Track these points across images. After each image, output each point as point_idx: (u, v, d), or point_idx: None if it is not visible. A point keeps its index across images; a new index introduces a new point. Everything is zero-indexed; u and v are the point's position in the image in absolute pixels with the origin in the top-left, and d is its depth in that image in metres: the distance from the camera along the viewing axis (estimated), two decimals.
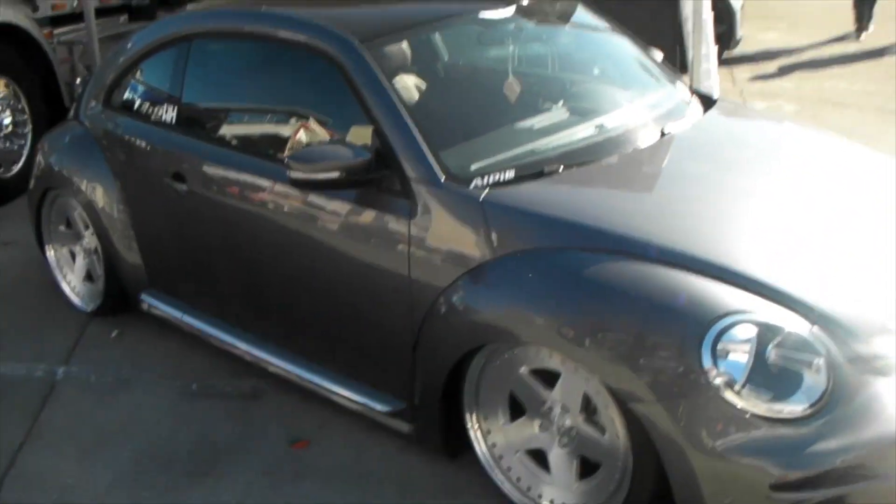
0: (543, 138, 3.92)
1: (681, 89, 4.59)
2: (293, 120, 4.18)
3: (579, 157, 3.77)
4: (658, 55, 4.94)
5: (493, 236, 3.36)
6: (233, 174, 4.21)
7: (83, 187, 5.04)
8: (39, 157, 5.48)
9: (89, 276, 5.31)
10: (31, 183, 5.55)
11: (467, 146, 3.82)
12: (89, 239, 5.18)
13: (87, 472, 3.93)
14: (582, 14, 4.87)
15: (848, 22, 11.99)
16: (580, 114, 4.19)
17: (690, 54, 7.19)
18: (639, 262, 3.14)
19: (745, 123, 4.65)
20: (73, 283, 5.41)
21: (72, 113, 5.52)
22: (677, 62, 7.64)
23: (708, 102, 4.58)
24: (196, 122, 4.57)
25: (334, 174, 3.55)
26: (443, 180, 3.52)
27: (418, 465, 3.81)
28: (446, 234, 3.47)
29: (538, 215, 3.39)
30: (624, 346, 3.00)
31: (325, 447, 3.98)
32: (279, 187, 3.96)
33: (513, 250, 3.33)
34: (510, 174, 3.59)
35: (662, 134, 4.04)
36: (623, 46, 4.82)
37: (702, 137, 4.18)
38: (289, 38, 4.12)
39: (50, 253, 5.49)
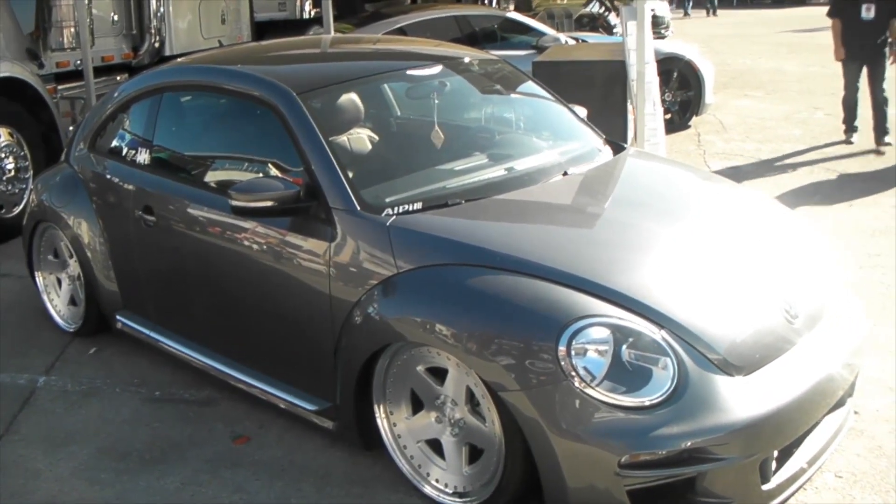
0: (456, 178, 4.54)
1: (594, 140, 5.18)
2: (242, 160, 4.86)
3: (482, 193, 4.38)
4: (581, 111, 5.55)
5: (396, 255, 3.95)
6: (190, 207, 4.84)
7: (69, 221, 5.68)
8: (33, 195, 6.16)
9: (73, 300, 5.95)
10: (25, 217, 6.23)
11: (387, 184, 4.45)
12: (73, 267, 5.81)
13: (53, 461, 4.50)
14: (508, 74, 5.52)
15: (818, 89, 12.59)
16: (494, 159, 4.83)
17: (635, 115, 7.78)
18: (510, 275, 3.71)
19: (644, 167, 5.22)
20: (58, 307, 6.06)
21: (63, 156, 6.19)
22: (627, 121, 8.22)
23: (619, 150, 5.18)
24: (164, 163, 5.22)
25: (268, 203, 4.17)
26: (358, 209, 4.13)
27: (339, 459, 4.37)
28: (359, 254, 4.06)
29: (431, 237, 3.99)
30: (494, 344, 3.55)
31: (262, 443, 4.55)
32: (227, 218, 4.57)
33: (411, 267, 3.92)
34: (418, 205, 4.19)
35: (564, 174, 4.65)
36: (545, 104, 5.47)
37: (598, 177, 4.78)
38: (238, 89, 4.80)
39: (39, 279, 6.15)
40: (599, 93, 7.72)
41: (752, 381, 3.54)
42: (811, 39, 21.67)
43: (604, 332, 3.48)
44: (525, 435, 3.51)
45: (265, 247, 4.44)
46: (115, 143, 5.61)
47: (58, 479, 4.35)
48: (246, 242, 4.52)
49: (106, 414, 4.93)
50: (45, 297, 6.11)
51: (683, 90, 11.53)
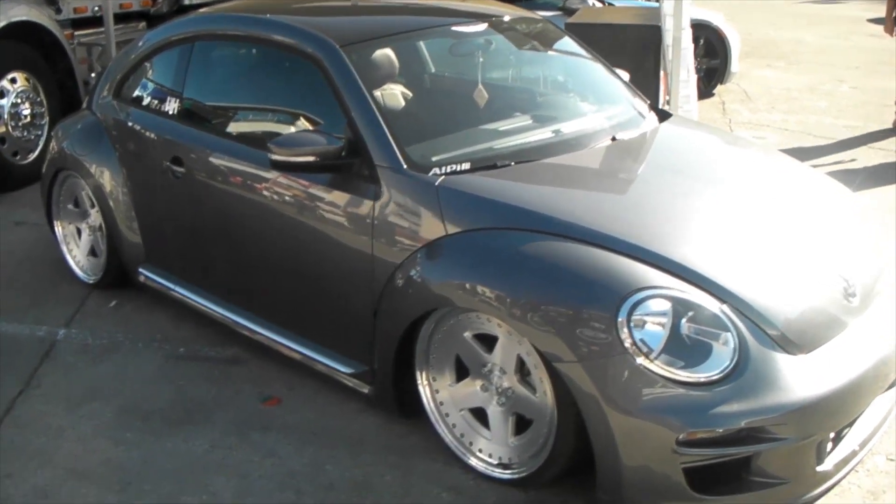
0: (504, 139, 4.38)
1: (639, 105, 5.01)
2: (280, 113, 4.67)
3: (531, 155, 4.21)
4: (625, 75, 5.38)
5: (445, 216, 3.79)
6: (223, 159, 4.66)
7: (91, 170, 5.50)
8: (53, 142, 5.96)
9: (93, 251, 5.77)
10: (45, 164, 6.03)
11: (434, 142, 4.27)
12: (95, 217, 5.64)
13: (75, 419, 4.35)
14: (551, 34, 5.33)
15: (840, 62, 12.37)
16: (541, 120, 4.67)
17: (670, 80, 7.62)
18: (566, 242, 3.56)
19: (693, 135, 5.07)
20: (77, 258, 5.88)
21: (85, 103, 6.01)
22: (659, 87, 8.05)
23: (664, 117, 5.02)
24: (195, 114, 5.04)
25: (310, 158, 4.00)
26: (404, 167, 3.96)
27: (374, 425, 4.22)
28: (405, 214, 3.90)
29: (483, 199, 3.82)
30: (550, 312, 3.40)
31: (293, 406, 4.40)
32: (263, 172, 4.40)
33: (461, 229, 3.76)
34: (466, 166, 4.03)
35: (613, 139, 4.48)
36: (590, 66, 5.27)
37: (648, 144, 4.62)
38: (279, 40, 4.61)
39: (58, 229, 5.96)
40: (632, 57, 7.50)
41: (811, 360, 3.41)
42: (826, 11, 21.41)
43: (664, 305, 3.33)
44: (580, 408, 3.37)
45: (304, 203, 4.27)
46: (141, 91, 5.43)
47: (80, 439, 4.20)
48: (284, 198, 4.35)
49: (128, 370, 4.78)
50: (63, 248, 5.93)
51: (708, 58, 11.32)
